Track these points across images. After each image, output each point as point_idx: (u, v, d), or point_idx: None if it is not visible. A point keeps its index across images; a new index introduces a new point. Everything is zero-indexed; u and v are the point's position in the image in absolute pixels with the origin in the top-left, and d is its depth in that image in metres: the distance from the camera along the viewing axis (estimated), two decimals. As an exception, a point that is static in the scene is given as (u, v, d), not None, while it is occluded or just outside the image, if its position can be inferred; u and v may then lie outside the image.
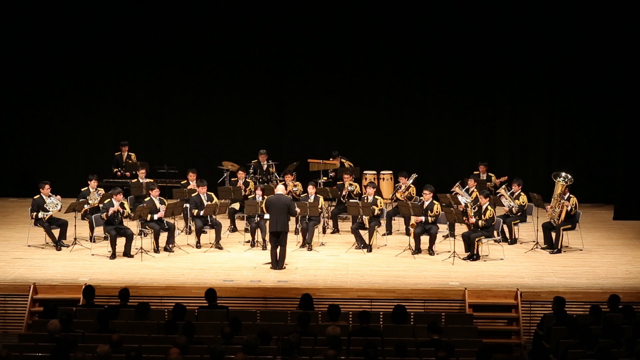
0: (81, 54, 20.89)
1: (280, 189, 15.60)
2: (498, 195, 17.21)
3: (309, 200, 16.73)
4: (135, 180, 18.51)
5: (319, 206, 16.70)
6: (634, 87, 18.98)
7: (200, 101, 21.37)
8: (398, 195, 17.50)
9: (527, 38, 20.28)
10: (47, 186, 16.67)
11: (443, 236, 16.93)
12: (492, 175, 18.92)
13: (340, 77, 21.07)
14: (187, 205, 17.18)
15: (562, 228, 16.28)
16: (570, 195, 16.34)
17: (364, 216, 16.48)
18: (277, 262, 15.23)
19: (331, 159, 19.74)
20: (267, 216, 15.77)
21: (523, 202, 17.04)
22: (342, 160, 19.75)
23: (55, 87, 21.11)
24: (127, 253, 15.97)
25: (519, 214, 17.00)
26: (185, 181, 17.99)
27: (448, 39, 20.59)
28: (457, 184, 17.47)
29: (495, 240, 16.22)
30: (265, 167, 19.39)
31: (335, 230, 17.99)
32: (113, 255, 15.91)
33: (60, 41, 20.80)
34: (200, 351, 10.74)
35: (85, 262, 15.73)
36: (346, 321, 12.44)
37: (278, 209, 15.23)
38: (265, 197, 16.39)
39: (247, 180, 18.39)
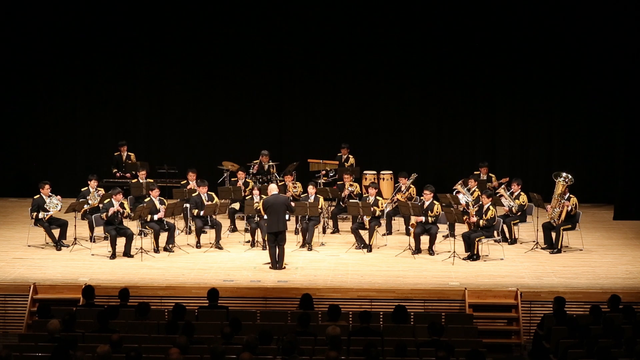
0: (81, 54, 20.88)
1: (273, 189, 15.55)
2: (498, 195, 17.20)
3: (309, 200, 16.72)
4: (135, 180, 18.51)
5: (319, 206, 16.69)
6: (634, 87, 18.97)
7: (200, 101, 21.38)
8: (399, 196, 17.48)
9: (527, 38, 20.27)
10: (47, 186, 16.67)
11: (443, 236, 16.94)
12: (493, 176, 18.91)
13: (340, 77, 21.07)
14: (187, 205, 17.19)
15: (562, 228, 16.28)
16: (571, 195, 16.35)
17: (364, 216, 16.47)
18: (277, 262, 15.23)
19: (342, 150, 19.74)
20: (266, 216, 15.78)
21: (523, 202, 17.04)
22: (350, 155, 19.76)
23: (55, 87, 21.12)
24: (127, 253, 15.98)
25: (518, 213, 17.00)
26: (185, 181, 17.99)
27: (448, 39, 20.58)
28: (460, 182, 17.48)
29: (495, 240, 16.22)
30: (266, 167, 19.39)
31: (335, 230, 17.99)
32: (113, 255, 15.92)
33: (60, 41, 20.80)
34: (200, 351, 10.74)
35: (85, 262, 15.73)
36: (346, 321, 12.45)
37: (277, 208, 15.22)
38: (263, 197, 16.40)
39: (247, 180, 18.39)
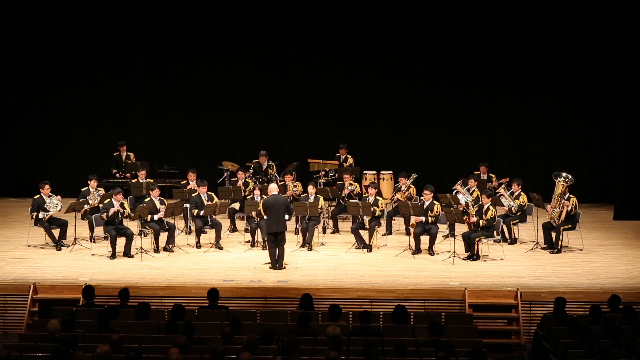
0: (81, 54, 20.87)
1: (273, 189, 15.55)
2: (498, 195, 17.20)
3: (309, 200, 16.72)
4: (135, 180, 18.51)
5: (319, 206, 16.69)
6: (634, 87, 18.97)
7: (200, 101, 21.36)
8: (398, 196, 17.48)
9: (527, 38, 20.27)
10: (47, 186, 16.67)
11: (443, 236, 16.93)
12: (493, 176, 18.91)
13: (340, 77, 21.07)
14: (187, 205, 17.19)
15: (562, 228, 16.28)
16: (570, 195, 16.35)
17: (364, 216, 16.46)
18: (277, 262, 15.23)
19: (340, 151, 19.76)
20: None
21: (523, 202, 17.04)
22: (348, 155, 19.78)
23: (55, 87, 21.11)
24: (127, 253, 15.98)
25: (518, 213, 17.00)
26: (185, 181, 18.00)
27: (448, 39, 20.59)
28: (459, 182, 17.48)
29: (495, 240, 16.22)
30: (264, 167, 19.39)
31: (335, 230, 17.98)
32: (113, 255, 15.92)
33: (60, 41, 20.79)
34: (200, 351, 10.74)
35: (85, 262, 15.73)
36: (346, 321, 12.44)
37: (277, 209, 15.22)
38: (264, 197, 16.40)
39: (247, 180, 18.39)
